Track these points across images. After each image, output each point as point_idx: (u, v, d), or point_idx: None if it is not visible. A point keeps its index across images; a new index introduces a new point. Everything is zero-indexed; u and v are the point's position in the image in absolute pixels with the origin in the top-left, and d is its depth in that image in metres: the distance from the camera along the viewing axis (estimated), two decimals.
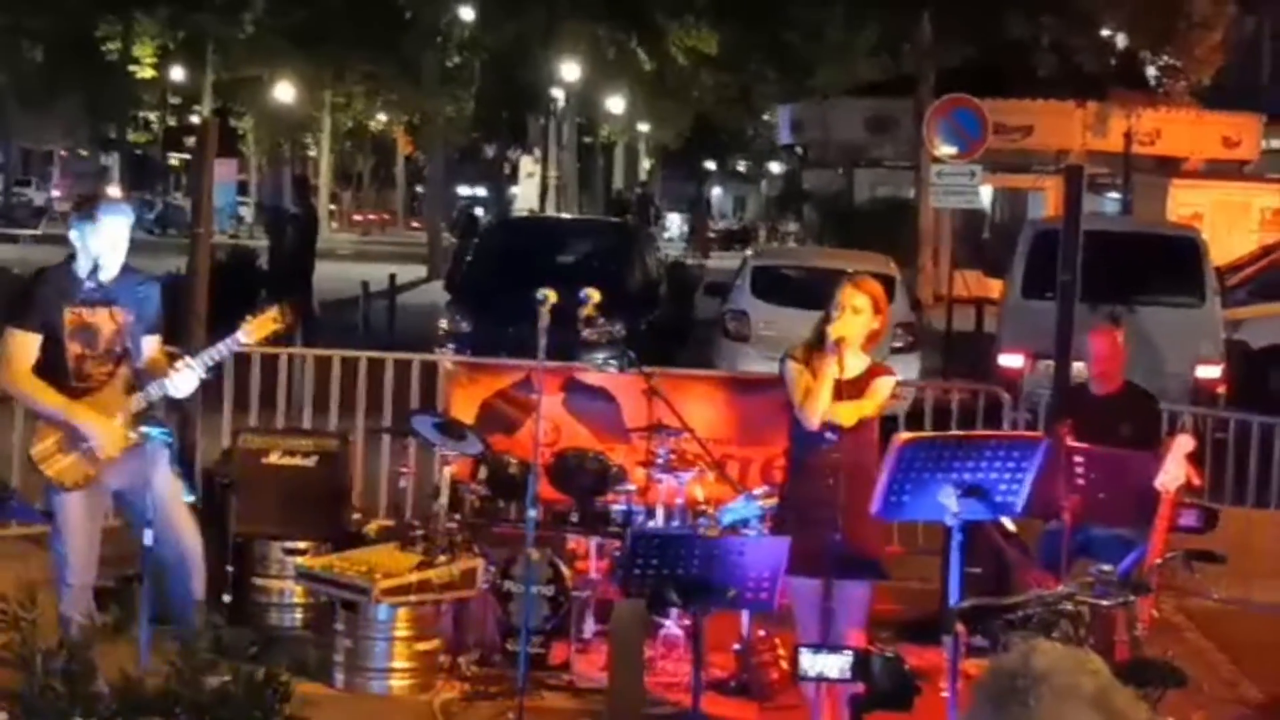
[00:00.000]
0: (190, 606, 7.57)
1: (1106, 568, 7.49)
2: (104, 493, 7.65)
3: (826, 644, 6.76)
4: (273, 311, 7.71)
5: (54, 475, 7.58)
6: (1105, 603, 7.24)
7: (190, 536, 7.77)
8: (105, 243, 7.55)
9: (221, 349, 7.77)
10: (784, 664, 8.34)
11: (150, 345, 7.72)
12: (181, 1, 44.86)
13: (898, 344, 16.69)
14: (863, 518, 7.04)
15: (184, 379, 7.55)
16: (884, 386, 7.42)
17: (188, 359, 7.63)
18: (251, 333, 7.67)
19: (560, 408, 10.70)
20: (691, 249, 48.72)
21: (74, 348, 7.53)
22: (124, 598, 8.09)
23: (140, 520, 7.56)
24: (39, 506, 7.97)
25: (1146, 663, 7.24)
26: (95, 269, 7.57)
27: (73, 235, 7.69)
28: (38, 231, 48.02)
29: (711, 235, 70.39)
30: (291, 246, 25.80)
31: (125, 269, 7.74)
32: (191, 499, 7.77)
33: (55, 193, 68.32)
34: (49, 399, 7.53)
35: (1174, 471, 7.77)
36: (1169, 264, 17.75)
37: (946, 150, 22.86)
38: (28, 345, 7.54)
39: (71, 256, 7.67)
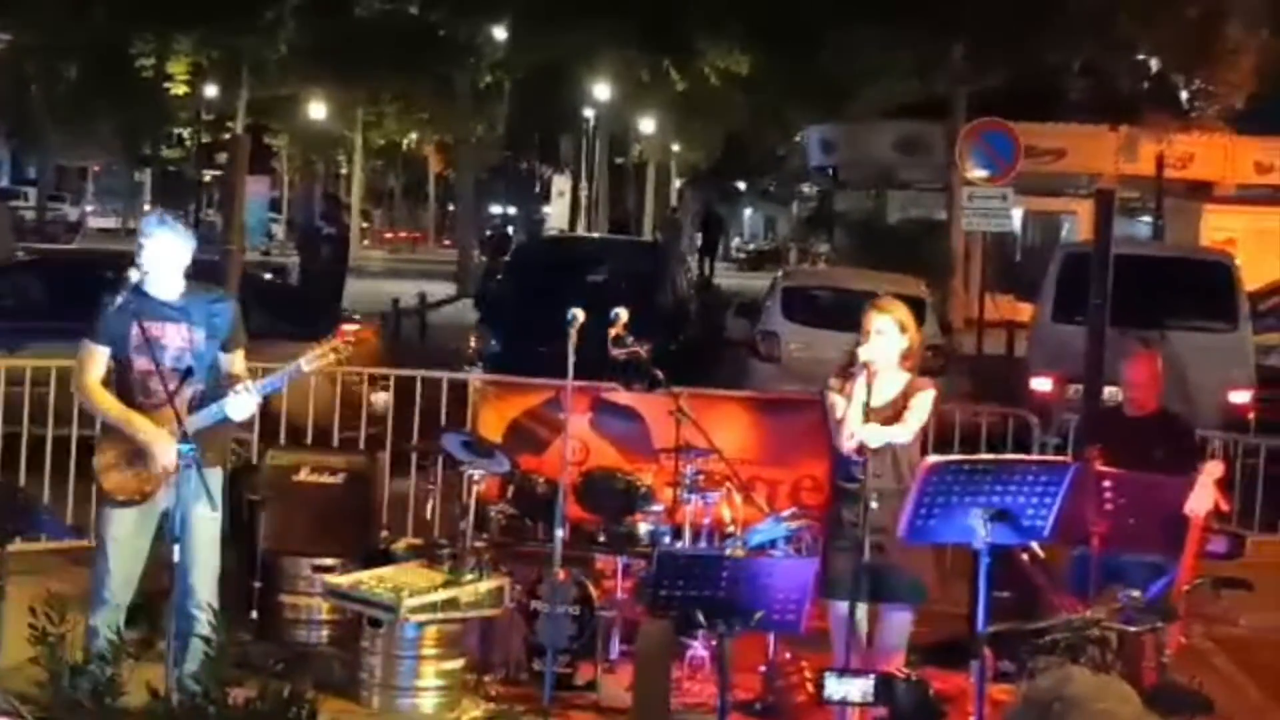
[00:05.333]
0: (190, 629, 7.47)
1: (1135, 593, 7.47)
2: (155, 511, 7.63)
3: (850, 668, 6.76)
4: (335, 341, 7.68)
5: (111, 488, 7.61)
6: (1133, 628, 7.23)
7: (203, 570, 7.69)
8: (151, 258, 7.54)
9: (283, 376, 7.73)
10: (810, 686, 8.33)
11: (232, 362, 7.71)
12: (216, 20, 45.02)
13: (925, 366, 16.66)
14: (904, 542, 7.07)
15: (243, 402, 7.54)
16: (923, 402, 7.43)
17: (248, 384, 7.59)
18: (313, 361, 7.65)
19: (588, 427, 10.72)
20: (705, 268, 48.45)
21: (139, 362, 7.55)
22: (151, 614, 8.14)
23: (171, 537, 7.58)
24: (73, 522, 7.99)
25: (1174, 689, 7.21)
26: (144, 285, 7.55)
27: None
28: (72, 247, 48.14)
29: (741, 255, 70.34)
30: (325, 265, 25.93)
31: (196, 285, 7.73)
32: (217, 515, 7.71)
33: (89, 208, 68.56)
34: (112, 408, 7.59)
35: (1203, 497, 7.75)
36: (1201, 289, 17.70)
37: (978, 173, 22.85)
38: (95, 357, 7.63)
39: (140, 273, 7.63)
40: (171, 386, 7.45)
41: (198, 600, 7.46)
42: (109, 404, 7.62)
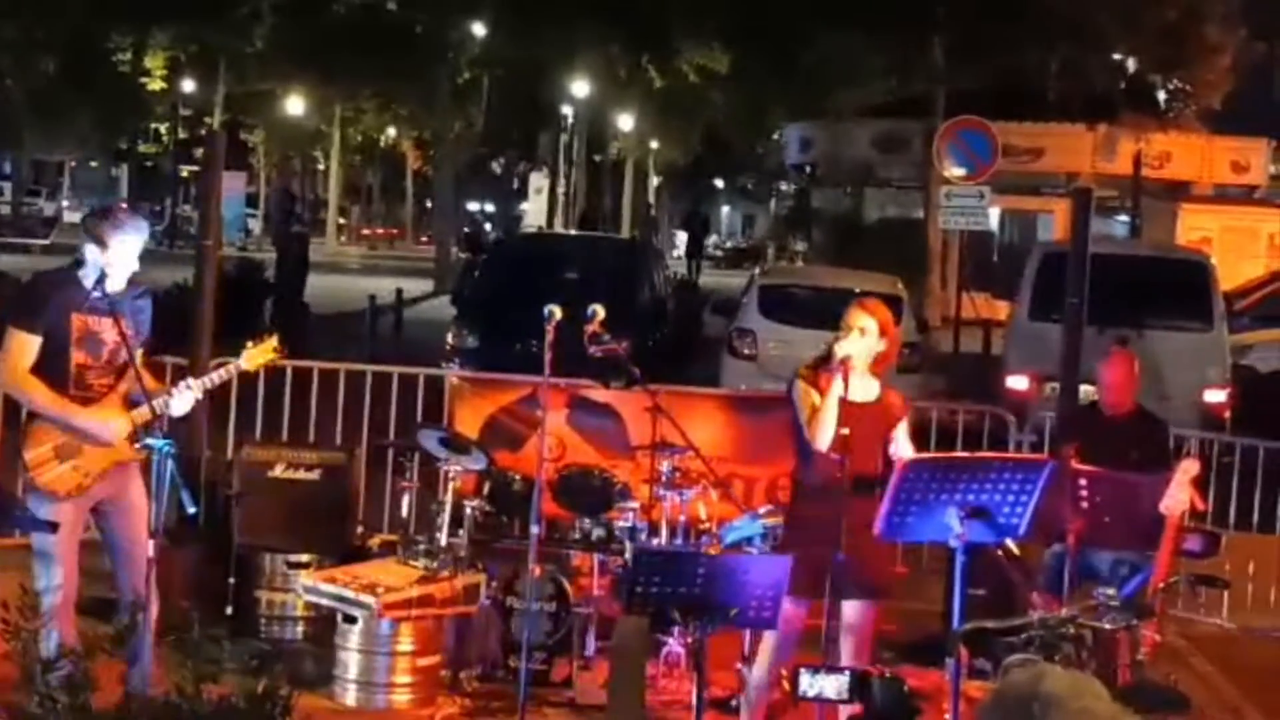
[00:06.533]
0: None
1: (1110, 591, 7.48)
2: (88, 506, 7.49)
3: (826, 665, 6.76)
4: (272, 341, 7.66)
5: (45, 483, 7.37)
6: (1108, 626, 7.24)
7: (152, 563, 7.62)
8: (120, 254, 7.38)
9: (222, 373, 7.75)
10: (785, 683, 8.32)
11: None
12: (193, 15, 44.90)
13: (902, 364, 16.66)
14: (871, 538, 7.08)
15: (183, 399, 7.44)
16: (905, 425, 7.54)
17: (189, 380, 7.55)
18: (252, 359, 7.65)
19: (565, 424, 10.71)
20: (690, 268, 48.35)
21: (77, 355, 7.37)
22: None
23: (121, 536, 7.52)
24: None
25: (1149, 687, 7.23)
26: (102, 278, 7.37)
27: (87, 244, 7.48)
28: (48, 241, 47.99)
29: (719, 253, 70.33)
30: (294, 262, 25.91)
31: (126, 281, 7.56)
32: (194, 511, 7.64)
33: (65, 203, 68.36)
34: (49, 399, 7.34)
35: (1178, 496, 7.77)
36: (1178, 288, 17.73)
37: (956, 172, 22.87)
38: (29, 346, 7.36)
39: (77, 263, 7.48)
40: (107, 382, 7.38)
41: (151, 592, 7.42)
42: (45, 396, 7.35)
